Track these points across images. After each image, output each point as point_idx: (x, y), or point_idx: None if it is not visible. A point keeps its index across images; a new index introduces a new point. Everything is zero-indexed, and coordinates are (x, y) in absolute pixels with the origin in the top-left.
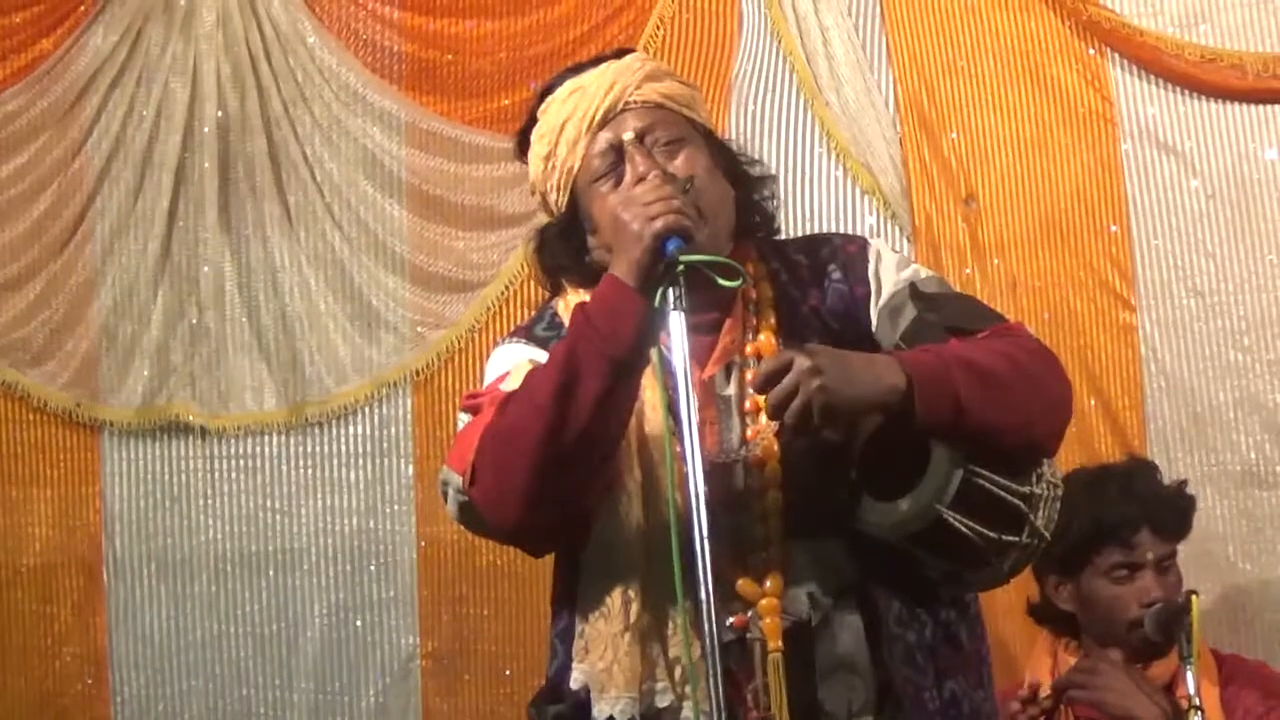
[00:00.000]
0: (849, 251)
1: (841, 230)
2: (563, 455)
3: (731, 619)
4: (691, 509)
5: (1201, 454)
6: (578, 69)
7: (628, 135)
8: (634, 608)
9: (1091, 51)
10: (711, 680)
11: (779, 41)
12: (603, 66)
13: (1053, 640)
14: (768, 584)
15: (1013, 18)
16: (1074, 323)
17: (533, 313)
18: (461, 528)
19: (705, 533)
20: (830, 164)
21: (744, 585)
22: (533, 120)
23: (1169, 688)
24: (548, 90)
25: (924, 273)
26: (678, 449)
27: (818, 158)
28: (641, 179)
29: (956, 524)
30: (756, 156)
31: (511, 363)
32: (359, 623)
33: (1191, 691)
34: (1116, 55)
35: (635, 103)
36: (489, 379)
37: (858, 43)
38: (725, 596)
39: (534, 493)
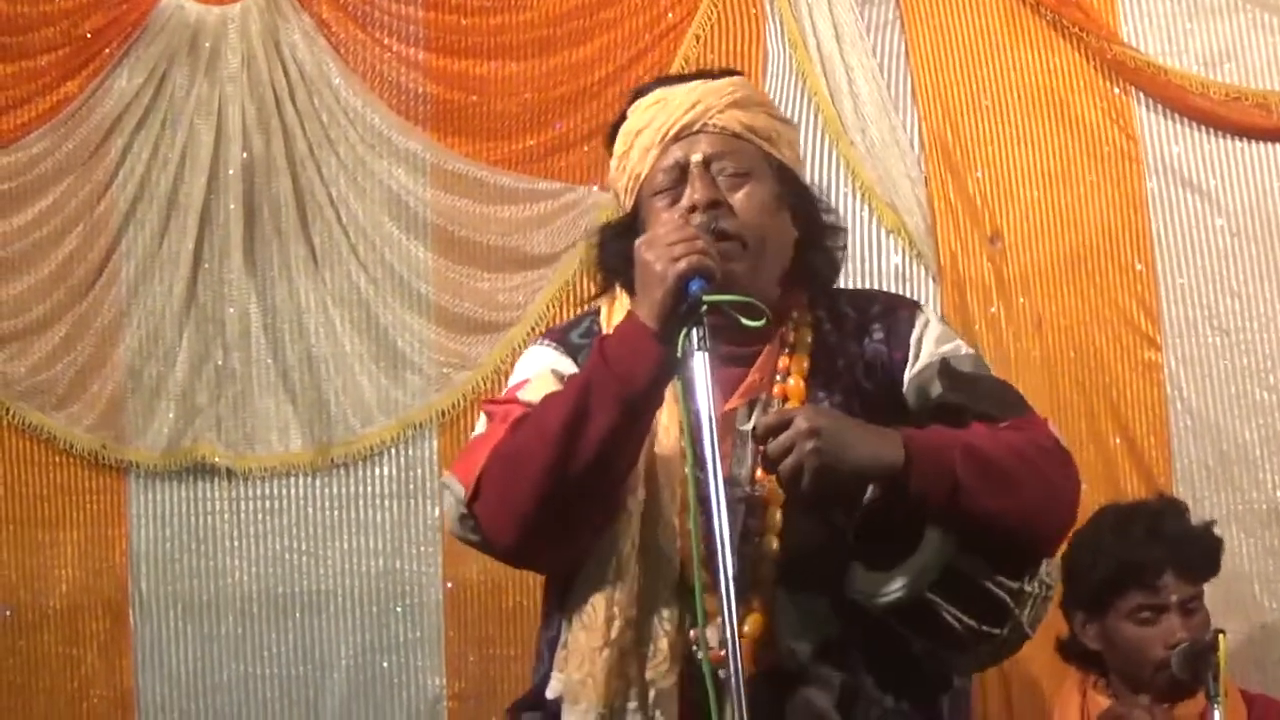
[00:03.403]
0: (897, 314)
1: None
2: (566, 487)
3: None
4: (706, 537)
5: (1228, 493)
6: (673, 79)
7: (696, 157)
8: (617, 624)
9: (1116, 90)
10: (735, 707)
11: (804, 81)
12: (695, 83)
13: (1082, 679)
14: (746, 626)
15: (1037, 56)
16: (1099, 360)
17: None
18: (471, 545)
19: (730, 570)
20: (855, 203)
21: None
22: (623, 117)
23: None
24: (640, 93)
25: (964, 350)
26: (689, 472)
27: (843, 197)
28: (694, 207)
29: (938, 607)
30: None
31: (534, 369)
32: (385, 664)
33: None
34: (1141, 94)
35: (714, 127)
36: (513, 380)
37: (882, 82)
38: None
39: (534, 519)
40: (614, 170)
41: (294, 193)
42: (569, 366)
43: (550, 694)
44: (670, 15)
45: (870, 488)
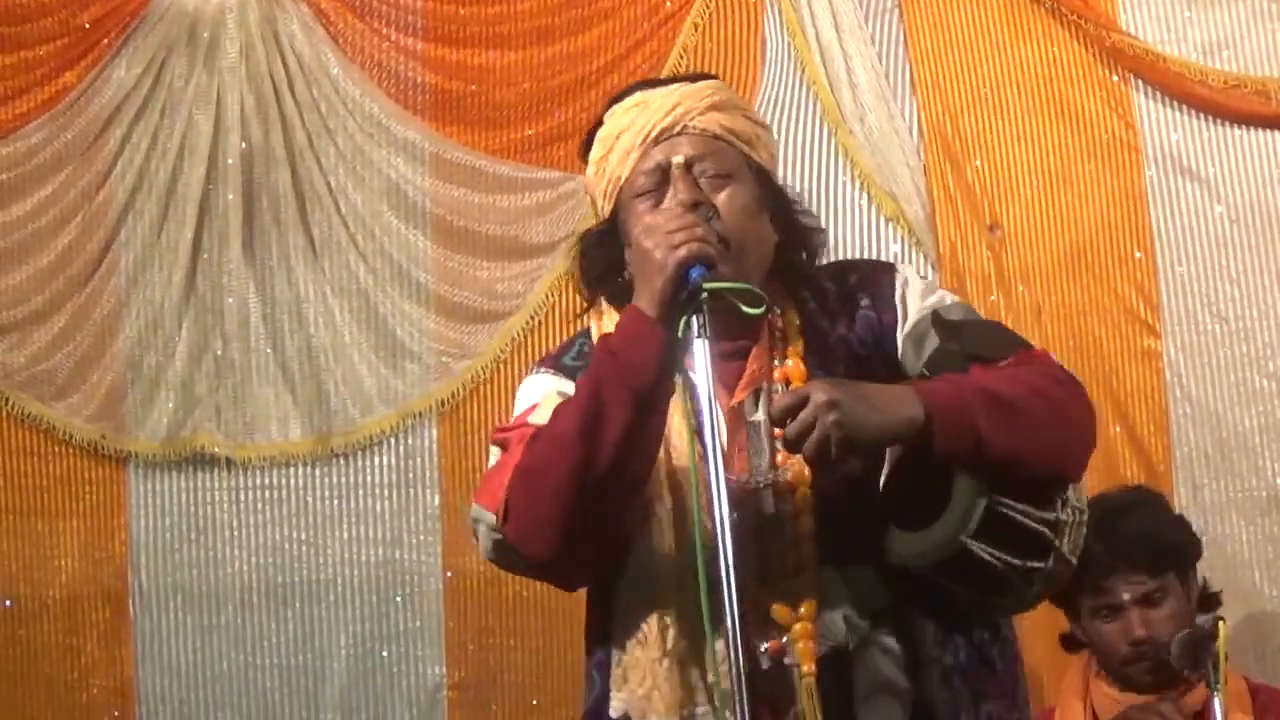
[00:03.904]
0: (877, 279)
1: (868, 258)
2: (592, 488)
3: (767, 644)
4: (718, 535)
5: (1227, 480)
6: (651, 83)
7: (677, 159)
8: (671, 634)
9: (1115, 78)
10: (739, 706)
11: (803, 70)
12: (674, 86)
13: (1085, 669)
14: (802, 609)
15: (1036, 45)
16: (1099, 349)
17: (558, 342)
18: (508, 569)
19: (731, 561)
20: (854, 192)
21: (778, 610)
22: (599, 123)
23: (1199, 715)
24: (617, 98)
25: (949, 299)
26: (705, 475)
27: (842, 186)
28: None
29: (981, 553)
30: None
31: (540, 394)
32: (385, 653)
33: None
34: (1140, 82)
35: (694, 129)
36: (518, 410)
37: (881, 71)
38: (761, 622)
39: (566, 525)
40: (591, 175)
41: (293, 183)
42: (571, 387)
43: (614, 713)
44: (669, 3)
45: (889, 450)
